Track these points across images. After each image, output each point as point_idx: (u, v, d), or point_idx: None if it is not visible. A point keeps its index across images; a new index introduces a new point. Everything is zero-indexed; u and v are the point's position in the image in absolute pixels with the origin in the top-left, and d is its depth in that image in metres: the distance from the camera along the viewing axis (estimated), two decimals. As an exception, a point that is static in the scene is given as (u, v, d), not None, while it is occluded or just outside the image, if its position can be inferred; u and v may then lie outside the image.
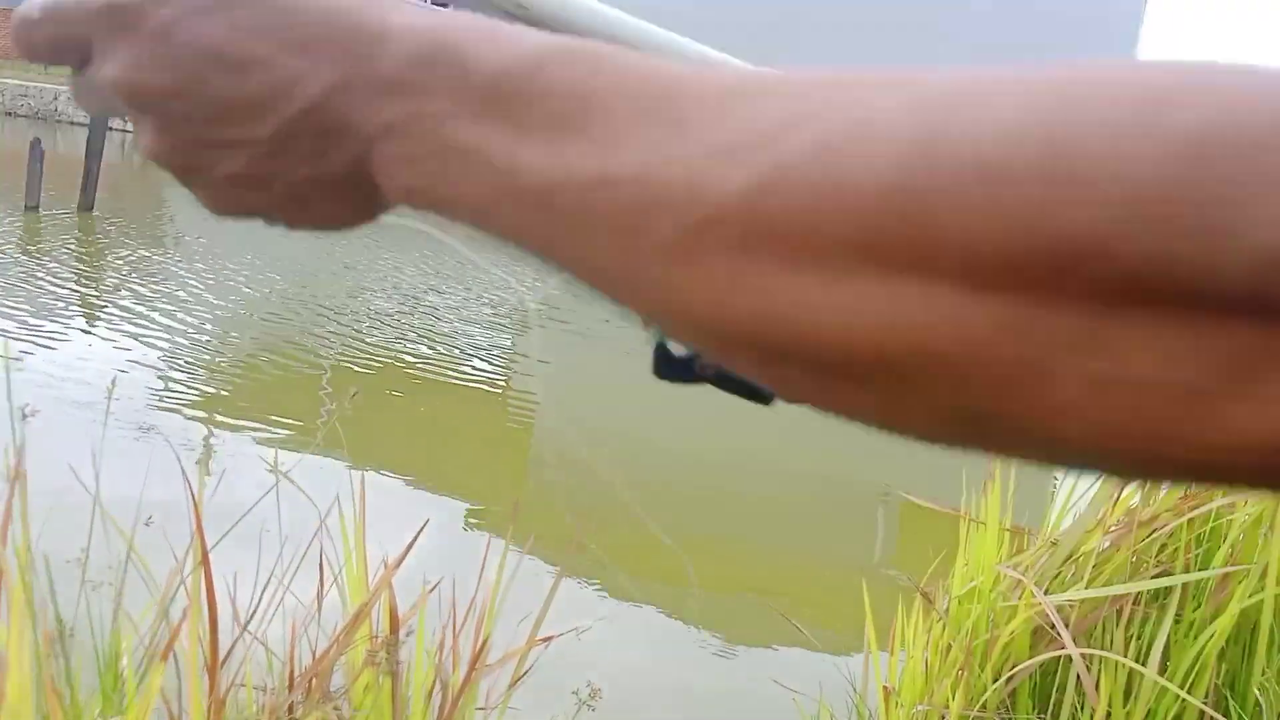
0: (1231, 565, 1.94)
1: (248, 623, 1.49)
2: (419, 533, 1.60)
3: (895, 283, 0.22)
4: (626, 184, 0.25)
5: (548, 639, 1.60)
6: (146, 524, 1.60)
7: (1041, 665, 2.00)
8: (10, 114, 22.54)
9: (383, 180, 0.31)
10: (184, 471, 1.56)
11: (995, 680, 1.97)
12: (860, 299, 0.22)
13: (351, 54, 0.30)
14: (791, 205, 0.23)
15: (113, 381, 4.79)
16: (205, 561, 1.37)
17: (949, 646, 2.08)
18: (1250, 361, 0.19)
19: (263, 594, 1.54)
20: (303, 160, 0.32)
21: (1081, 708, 1.95)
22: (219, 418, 5.38)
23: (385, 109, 0.30)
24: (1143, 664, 1.86)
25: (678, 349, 0.31)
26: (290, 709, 1.51)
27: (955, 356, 0.22)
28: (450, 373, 6.79)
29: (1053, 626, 1.86)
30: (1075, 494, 2.22)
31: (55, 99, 22.48)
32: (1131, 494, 2.11)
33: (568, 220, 0.27)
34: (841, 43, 16.83)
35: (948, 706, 1.95)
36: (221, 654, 1.41)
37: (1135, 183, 0.20)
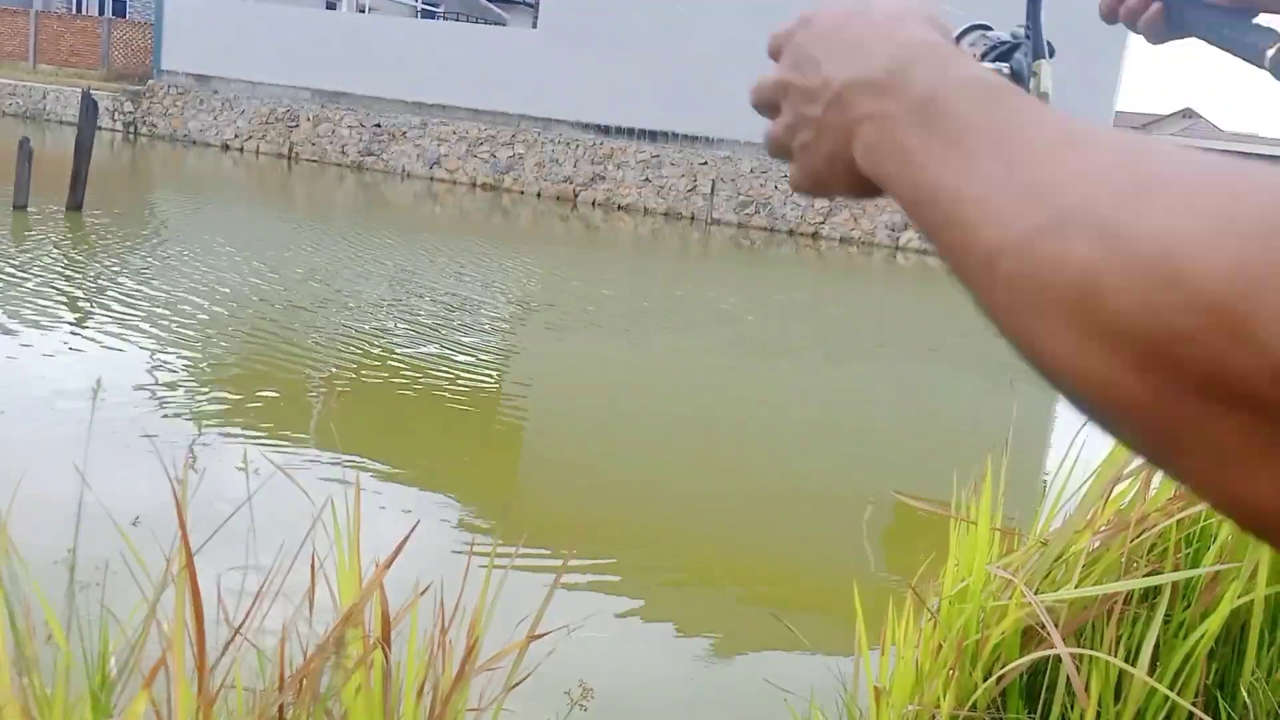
0: (1221, 565, 1.94)
1: (240, 626, 1.49)
2: (410, 533, 1.59)
3: (1117, 356, 0.28)
4: (967, 201, 0.34)
5: (538, 636, 1.60)
6: (134, 525, 1.59)
7: (1031, 665, 2.00)
8: (-2, 112, 22.43)
9: (859, 161, 0.41)
10: (169, 471, 1.55)
11: (985, 680, 1.97)
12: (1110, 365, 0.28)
13: (859, 59, 0.42)
14: (1079, 259, 0.29)
15: (98, 381, 4.77)
16: (190, 564, 1.37)
17: (939, 646, 2.08)
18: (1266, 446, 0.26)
19: (257, 596, 1.53)
20: (827, 136, 0.44)
21: (1071, 707, 1.96)
22: (209, 417, 5.36)
23: (864, 103, 0.41)
24: (1132, 664, 1.86)
25: None
26: (280, 710, 1.51)
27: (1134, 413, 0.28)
28: (442, 373, 6.78)
29: (1043, 626, 1.87)
30: (1065, 494, 2.22)
31: (44, 97, 22.36)
32: (1121, 494, 2.11)
33: (937, 216, 0.35)
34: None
35: (938, 706, 1.95)
36: (211, 655, 1.41)
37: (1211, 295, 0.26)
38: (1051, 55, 0.92)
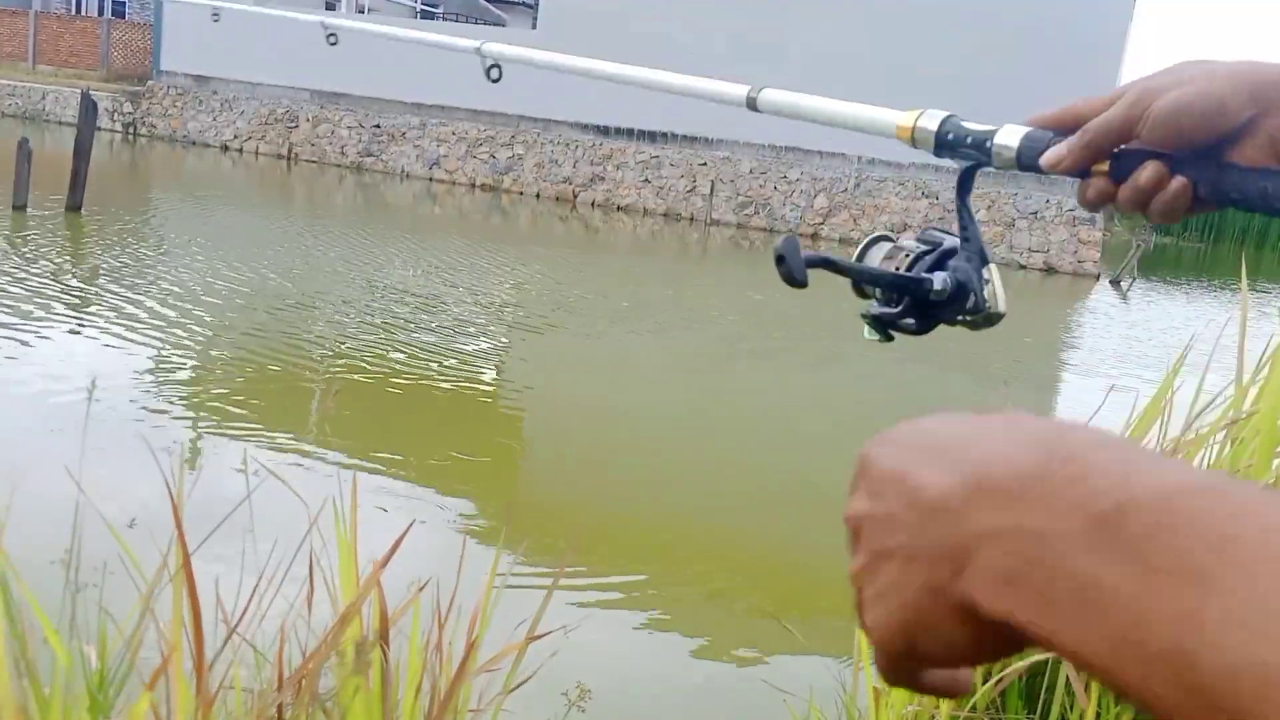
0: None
1: (237, 625, 1.48)
2: (405, 531, 1.59)
3: None
4: (1204, 631, 0.24)
5: (537, 636, 1.59)
6: (130, 526, 1.58)
7: (1031, 666, 2.00)
8: (-2, 113, 22.42)
9: (978, 596, 0.30)
10: (165, 472, 1.55)
11: (985, 681, 1.98)
12: None
13: (971, 461, 0.32)
14: None
15: (93, 381, 4.76)
16: (186, 563, 1.36)
17: (939, 647, 2.07)
18: None
19: (252, 596, 1.53)
20: (919, 568, 0.33)
21: (1071, 708, 1.96)
22: (206, 417, 5.36)
23: (984, 517, 0.30)
24: (1132, 664, 1.86)
25: None
26: (279, 710, 1.50)
27: None
28: (441, 373, 6.78)
29: (1042, 627, 1.86)
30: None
31: (43, 98, 22.35)
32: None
33: (1213, 692, 0.24)
34: (829, 30, 16.85)
35: (938, 708, 1.95)
36: (209, 656, 1.41)
37: None
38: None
